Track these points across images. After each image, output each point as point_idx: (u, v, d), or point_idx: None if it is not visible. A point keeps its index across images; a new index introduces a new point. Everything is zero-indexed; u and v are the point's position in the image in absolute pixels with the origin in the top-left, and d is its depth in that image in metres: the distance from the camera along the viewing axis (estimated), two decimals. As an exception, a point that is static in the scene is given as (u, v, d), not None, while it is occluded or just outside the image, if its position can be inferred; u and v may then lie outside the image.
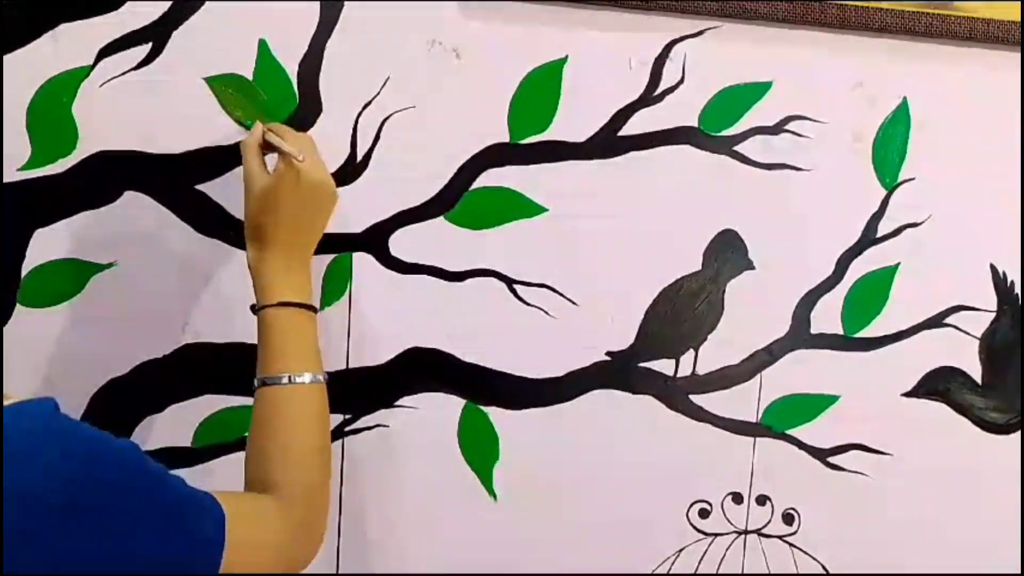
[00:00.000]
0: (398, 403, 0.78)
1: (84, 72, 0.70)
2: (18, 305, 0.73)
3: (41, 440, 0.44)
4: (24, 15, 0.69)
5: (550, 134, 0.76)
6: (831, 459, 0.83)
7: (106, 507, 0.45)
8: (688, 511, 0.83)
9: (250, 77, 0.72)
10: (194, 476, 0.75)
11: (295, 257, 0.65)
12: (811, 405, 0.82)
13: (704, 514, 0.83)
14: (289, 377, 0.61)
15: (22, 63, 0.69)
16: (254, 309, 0.64)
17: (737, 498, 0.83)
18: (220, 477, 0.76)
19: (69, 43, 0.70)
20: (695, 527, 0.83)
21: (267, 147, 0.66)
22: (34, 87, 0.70)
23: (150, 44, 0.71)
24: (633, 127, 0.76)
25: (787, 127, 0.78)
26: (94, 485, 0.45)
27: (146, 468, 0.49)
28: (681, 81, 0.76)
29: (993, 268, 0.82)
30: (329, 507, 0.63)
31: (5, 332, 0.72)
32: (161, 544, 0.47)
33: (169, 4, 0.70)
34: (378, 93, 0.73)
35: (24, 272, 0.72)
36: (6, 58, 0.69)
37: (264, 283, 0.63)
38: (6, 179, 0.71)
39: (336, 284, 0.75)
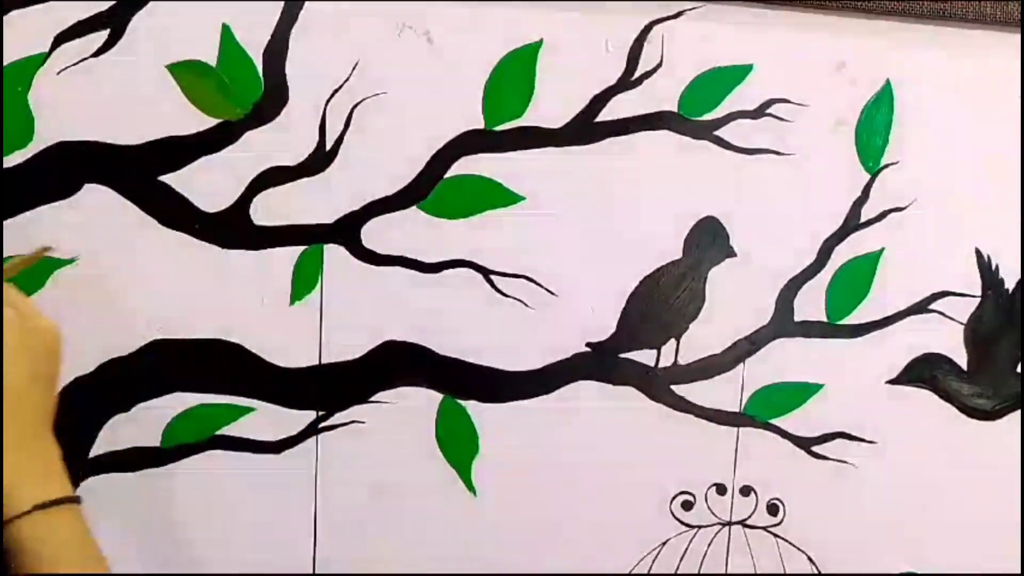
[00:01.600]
0: (373, 398, 0.76)
1: (40, 59, 0.68)
2: (-23, 302, 0.70)
3: None
4: (-25, 0, 0.66)
5: (526, 120, 0.74)
6: (816, 448, 0.82)
7: None
8: (671, 503, 0.81)
9: (213, 64, 0.69)
10: (164, 477, 0.74)
11: (23, 448, 0.49)
12: (795, 394, 0.81)
13: (687, 506, 0.82)
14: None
15: (-26, 51, 0.67)
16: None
17: (721, 489, 0.82)
18: (189, 478, 0.74)
19: (23, 29, 0.67)
20: (678, 519, 0.82)
21: None
22: (-13, 76, 0.67)
23: (108, 29, 0.68)
24: (611, 112, 0.74)
25: (768, 111, 0.76)
26: None
27: None
28: (659, 64, 0.74)
29: (978, 252, 0.81)
30: None
31: (-37, 331, 0.70)
32: None
33: (127, -12, 0.67)
34: (347, 79, 0.71)
35: (-18, 268, 0.70)
36: (-43, 46, 0.66)
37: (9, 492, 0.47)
38: (-39, 172, 0.68)
39: (307, 277, 0.73)
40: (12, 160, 0.69)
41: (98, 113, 0.69)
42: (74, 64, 0.68)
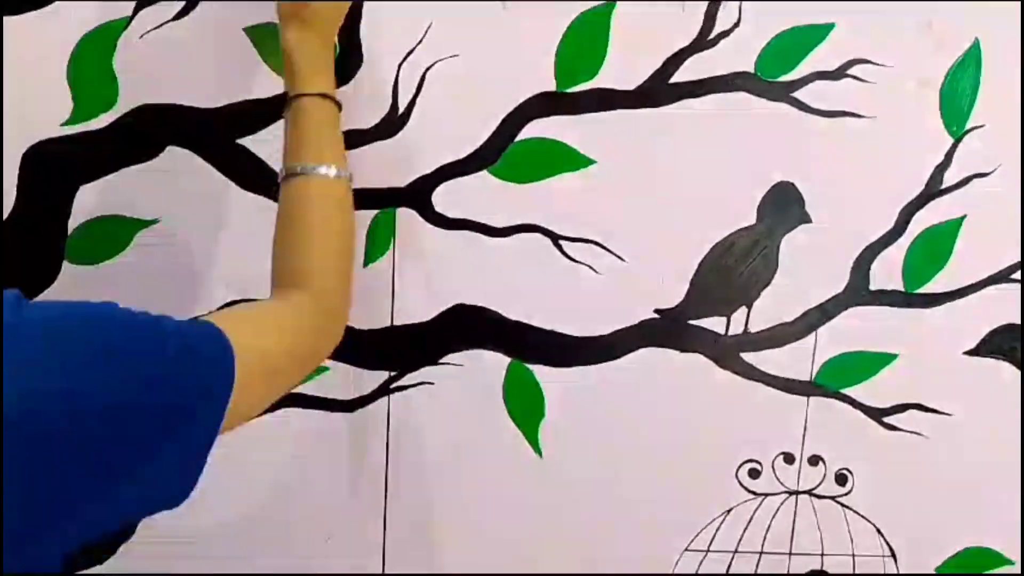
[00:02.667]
0: (443, 360, 0.77)
1: (122, 24, 0.69)
2: (65, 262, 0.73)
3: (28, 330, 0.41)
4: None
5: (598, 82, 0.73)
6: (887, 419, 0.80)
7: (120, 359, 0.43)
8: (738, 471, 0.81)
9: (289, 27, 0.69)
10: (242, 434, 0.76)
11: (329, 43, 0.64)
12: (868, 364, 0.79)
13: (754, 474, 0.81)
14: (322, 169, 0.61)
15: (60, 17, 0.68)
16: (287, 98, 0.62)
17: (788, 458, 0.81)
18: (267, 434, 0.76)
19: (106, -5, 0.68)
20: (745, 487, 0.81)
21: None
22: (73, 41, 0.69)
23: (188, -6, 0.69)
24: (685, 74, 0.73)
25: (849, 72, 0.74)
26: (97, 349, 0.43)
27: (136, 322, 0.47)
28: (736, 24, 0.72)
29: (1066, 221, 0.78)
30: (350, 303, 0.63)
31: (53, 289, 0.73)
32: (173, 381, 0.46)
33: (206, -48, 0.68)
34: (420, 42, 0.71)
35: (70, 229, 0.72)
36: (42, 11, 0.68)
37: (303, 69, 0.61)
38: (50, 135, 0.70)
39: (380, 240, 0.74)
40: (98, 123, 0.71)
41: (178, 76, 0.70)
42: (156, 28, 0.69)
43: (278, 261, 0.62)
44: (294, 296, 0.59)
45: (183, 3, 0.69)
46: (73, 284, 0.73)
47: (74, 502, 0.42)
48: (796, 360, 0.79)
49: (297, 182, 0.61)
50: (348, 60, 0.71)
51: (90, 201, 0.72)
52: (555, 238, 0.75)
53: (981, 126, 0.76)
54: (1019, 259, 0.79)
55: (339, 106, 0.64)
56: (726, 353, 0.78)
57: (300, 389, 0.76)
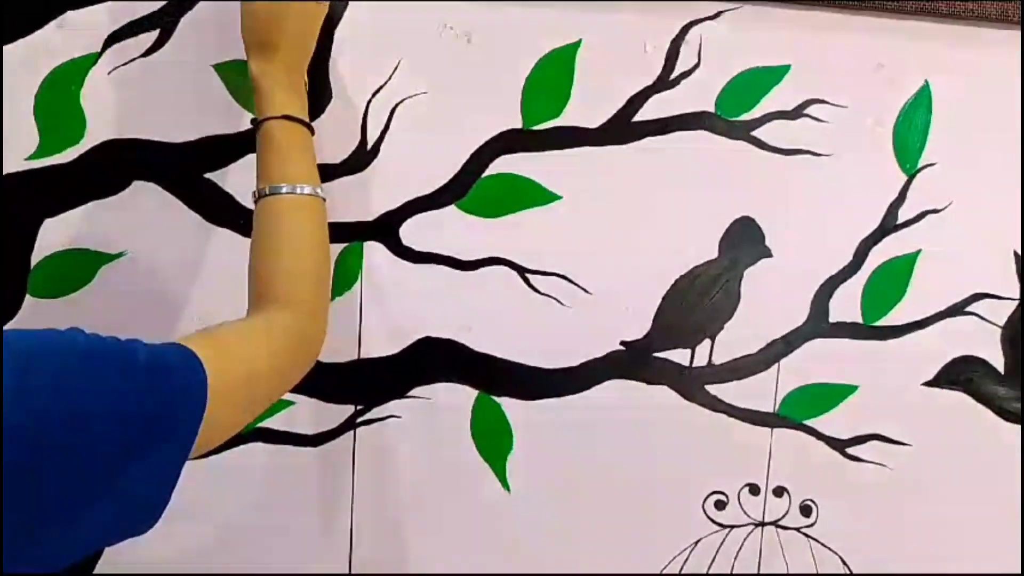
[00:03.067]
0: (410, 393, 0.77)
1: (92, 59, 0.70)
2: (28, 296, 0.72)
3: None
4: (30, 2, 0.68)
5: (564, 120, 0.74)
6: (850, 450, 0.82)
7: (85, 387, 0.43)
8: (704, 502, 0.82)
9: (258, 63, 0.70)
10: (206, 468, 0.75)
11: (297, 71, 0.65)
12: (829, 395, 0.81)
13: (720, 506, 0.82)
14: (291, 187, 0.61)
15: (29, 51, 0.68)
16: (255, 122, 0.64)
17: (754, 489, 0.82)
18: (231, 469, 0.75)
19: (76, 30, 0.69)
20: (711, 519, 0.82)
21: None
22: (41, 75, 0.69)
23: (158, 30, 0.70)
24: (648, 112, 0.75)
25: (806, 111, 0.76)
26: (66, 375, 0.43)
27: (105, 345, 0.47)
28: (697, 65, 0.75)
29: (1016, 255, 0.81)
30: (327, 321, 0.63)
31: (15, 323, 0.72)
32: (144, 404, 0.45)
33: (177, -11, 0.69)
34: (389, 79, 0.72)
35: (33, 262, 0.72)
36: (12, 46, 0.68)
37: (268, 95, 0.63)
38: (13, 169, 0.70)
39: (347, 273, 0.74)
40: (64, 158, 0.71)
41: (147, 111, 0.71)
42: (124, 64, 0.70)
43: (252, 279, 0.62)
44: (269, 312, 0.59)
45: (153, 40, 0.70)
46: (35, 318, 0.72)
47: (44, 524, 0.41)
48: (760, 392, 0.80)
49: (267, 202, 0.62)
50: (318, 96, 0.71)
51: (54, 235, 0.71)
52: (522, 271, 0.76)
53: (933, 164, 0.79)
54: (973, 293, 0.81)
55: (310, 128, 0.65)
56: (691, 385, 0.79)
57: (265, 423, 0.76)
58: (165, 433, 0.46)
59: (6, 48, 0.68)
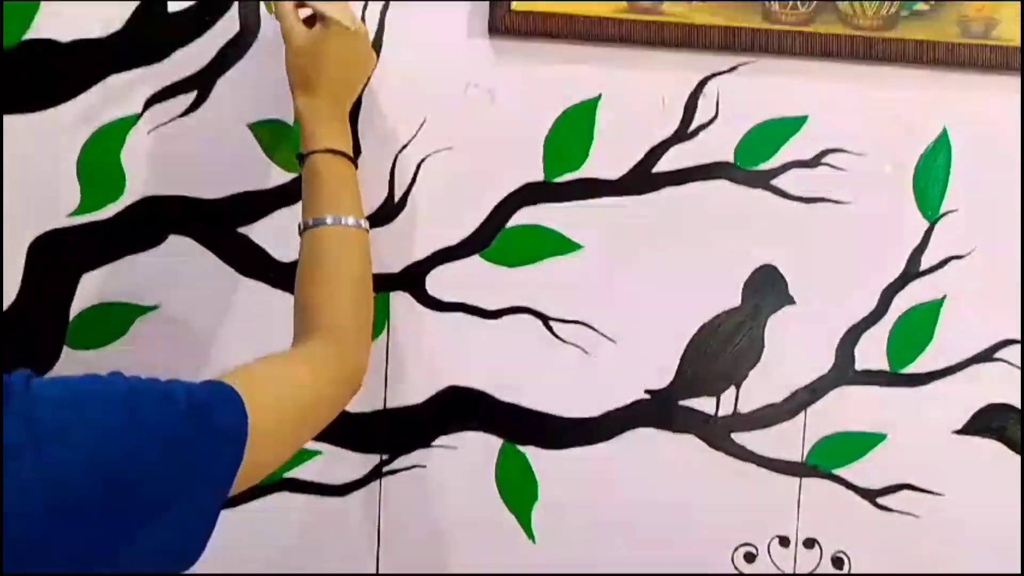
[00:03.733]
0: (435, 443, 0.77)
1: (133, 120, 0.73)
2: (66, 348, 0.74)
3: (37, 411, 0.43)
4: (76, 67, 0.72)
5: (584, 172, 0.76)
6: (880, 500, 0.80)
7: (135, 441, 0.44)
8: (733, 555, 0.80)
9: (291, 123, 0.73)
10: (234, 518, 0.76)
11: (339, 108, 0.67)
12: (858, 443, 0.80)
13: (750, 558, 0.80)
14: (335, 219, 0.63)
15: (74, 113, 0.72)
16: (300, 158, 0.66)
17: (784, 541, 0.80)
18: (258, 519, 0.76)
19: (119, 92, 0.72)
20: (741, 572, 0.80)
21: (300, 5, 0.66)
22: (85, 136, 0.72)
23: (195, 92, 0.73)
24: (668, 163, 0.76)
25: (824, 160, 0.77)
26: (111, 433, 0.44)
27: (144, 387, 0.48)
28: (715, 117, 0.76)
29: (1043, 301, 0.80)
30: (370, 348, 0.64)
31: (53, 374, 0.74)
32: (183, 447, 0.46)
33: (214, 53, 0.72)
34: (415, 135, 0.75)
35: (72, 315, 0.74)
36: (58, 109, 0.72)
37: (313, 130, 0.65)
38: (57, 225, 0.73)
39: (374, 324, 0.75)
40: (104, 214, 0.73)
41: (184, 169, 0.73)
42: (164, 124, 0.73)
43: (297, 311, 0.63)
44: (312, 344, 0.60)
45: (191, 100, 0.73)
46: (72, 369, 0.74)
47: (82, 565, 0.42)
48: (787, 441, 0.79)
49: (312, 233, 0.64)
50: (346, 152, 0.74)
51: (91, 288, 0.74)
52: (546, 320, 0.77)
53: (955, 210, 0.79)
54: (1001, 339, 0.80)
55: (354, 162, 0.67)
56: (717, 434, 0.79)
57: (291, 473, 0.76)
58: (203, 474, 0.47)
59: (56, 110, 0.72)
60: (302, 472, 0.76)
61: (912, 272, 0.79)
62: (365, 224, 0.65)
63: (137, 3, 0.72)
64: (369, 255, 0.66)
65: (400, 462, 0.77)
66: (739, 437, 0.79)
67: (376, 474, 0.77)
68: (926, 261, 0.79)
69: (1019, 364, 0.80)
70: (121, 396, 0.46)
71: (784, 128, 0.77)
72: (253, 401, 0.50)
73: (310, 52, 0.65)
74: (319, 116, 0.65)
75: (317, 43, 0.65)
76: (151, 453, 0.45)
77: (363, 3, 0.73)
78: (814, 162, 0.77)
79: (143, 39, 0.72)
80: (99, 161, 0.73)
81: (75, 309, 0.74)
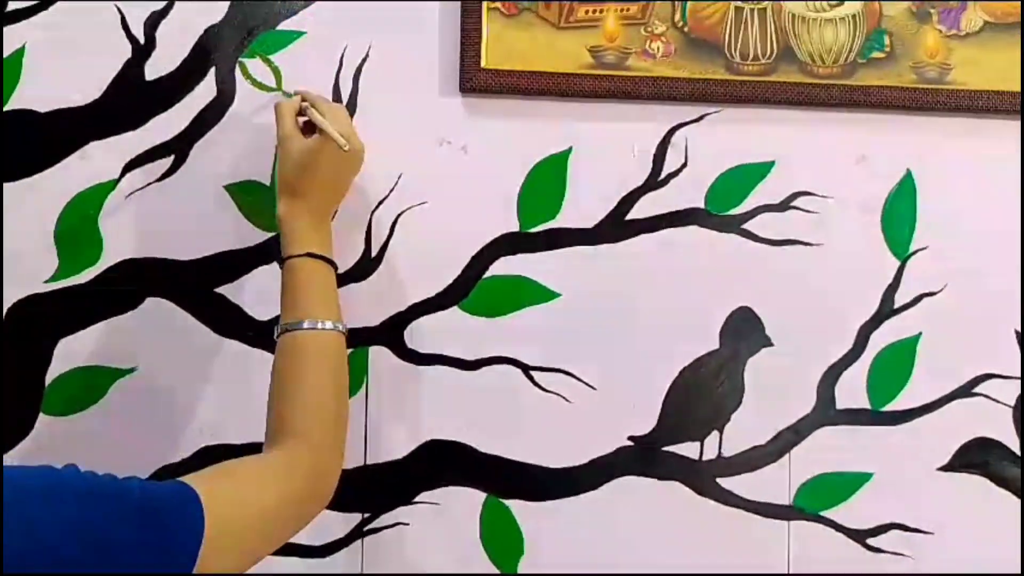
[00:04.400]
0: (418, 499, 0.76)
1: (110, 186, 0.74)
2: (41, 414, 0.73)
3: None
4: (55, 136, 0.73)
5: (559, 222, 0.77)
6: (870, 540, 0.79)
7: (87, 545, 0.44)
8: (725, 603, 0.79)
9: (267, 183, 0.74)
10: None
11: (323, 213, 0.68)
12: (844, 484, 0.79)
13: (742, 606, 0.79)
14: (311, 323, 0.63)
15: (52, 181, 0.73)
16: (280, 262, 0.66)
17: (776, 587, 0.79)
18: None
19: (97, 159, 0.73)
20: (734, 621, 0.79)
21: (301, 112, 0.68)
22: (63, 202, 0.73)
23: (173, 156, 0.74)
24: (640, 211, 0.78)
25: (793, 203, 0.79)
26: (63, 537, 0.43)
27: (99, 484, 0.47)
28: (684, 165, 0.78)
29: (1018, 334, 0.81)
30: (343, 459, 0.63)
31: (29, 440, 0.73)
32: (133, 543, 0.45)
33: (192, 118, 0.74)
34: (391, 191, 0.76)
35: (48, 381, 0.73)
36: (37, 177, 0.73)
37: (293, 235, 0.66)
38: (34, 291, 0.73)
39: (353, 379, 0.75)
40: (81, 279, 0.74)
41: (161, 231, 0.74)
42: (141, 188, 0.74)
43: (269, 415, 0.62)
44: (285, 448, 0.60)
45: (169, 165, 0.74)
46: (49, 435, 0.73)
47: None
48: (773, 483, 0.79)
49: (288, 337, 0.63)
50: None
51: (68, 352, 0.73)
52: (526, 369, 0.77)
53: (924, 248, 0.80)
54: (980, 374, 0.81)
55: (333, 265, 0.67)
56: (703, 479, 0.78)
57: (273, 534, 0.75)
58: (154, 569, 0.46)
59: (33, 178, 0.72)
60: (282, 533, 0.75)
61: (886, 310, 0.80)
62: (343, 327, 0.65)
63: (115, 72, 0.73)
64: (346, 360, 0.65)
65: (382, 520, 0.76)
66: (725, 482, 0.79)
67: (358, 533, 0.76)
68: (899, 299, 0.80)
69: (998, 398, 0.81)
70: (72, 492, 0.45)
71: (752, 173, 0.79)
72: (215, 503, 0.50)
73: (303, 162, 0.66)
74: (302, 221, 0.66)
75: (312, 154, 0.66)
76: (100, 553, 0.44)
77: (338, 65, 0.75)
78: (783, 206, 0.79)
79: (121, 106, 0.73)
80: (77, 227, 0.73)
81: (51, 375, 0.74)
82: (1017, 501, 0.80)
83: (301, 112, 0.68)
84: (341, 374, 0.65)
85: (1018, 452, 0.80)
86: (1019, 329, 0.81)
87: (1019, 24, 0.79)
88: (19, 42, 0.72)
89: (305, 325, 0.63)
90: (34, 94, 0.72)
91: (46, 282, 0.73)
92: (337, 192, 0.70)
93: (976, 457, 0.80)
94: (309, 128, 0.68)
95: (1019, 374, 0.81)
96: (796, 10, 0.78)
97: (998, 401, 0.80)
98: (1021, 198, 0.80)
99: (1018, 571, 0.79)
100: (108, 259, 0.74)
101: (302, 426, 0.60)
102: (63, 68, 0.72)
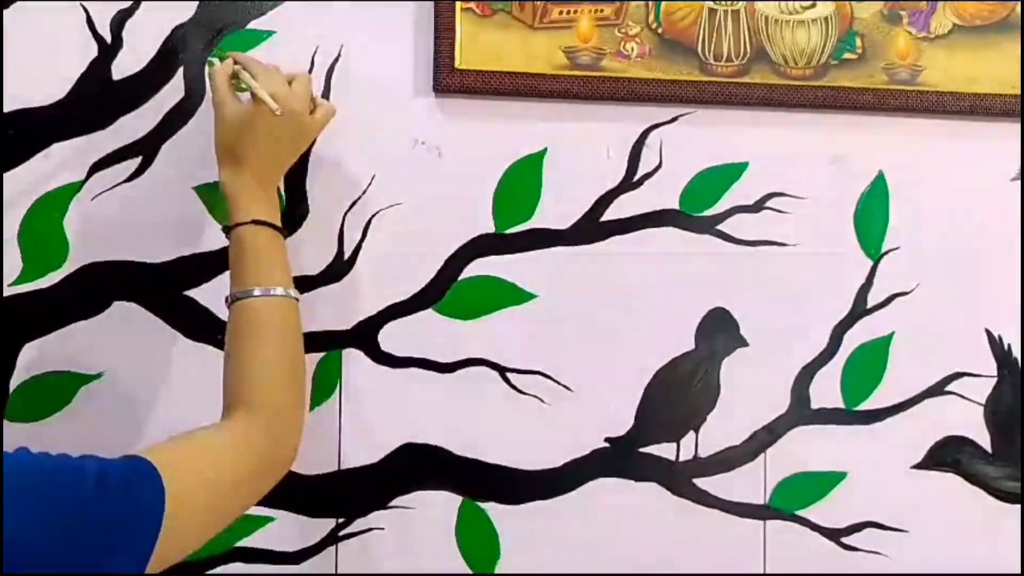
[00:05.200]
0: (393, 504, 0.76)
1: (76, 187, 0.72)
2: (5, 421, 0.72)
3: None
4: (19, 136, 0.71)
5: (534, 223, 0.77)
6: (845, 539, 0.80)
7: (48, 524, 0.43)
8: (702, 604, 0.79)
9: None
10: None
11: (267, 181, 0.66)
12: (819, 483, 0.80)
13: (719, 606, 0.79)
14: (261, 290, 0.62)
15: (15, 182, 0.71)
16: (226, 231, 0.65)
17: (752, 587, 0.79)
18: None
19: (62, 160, 0.72)
20: (711, 621, 0.79)
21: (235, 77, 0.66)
22: (26, 205, 0.71)
23: (140, 157, 0.73)
24: (615, 212, 0.78)
25: (767, 204, 0.79)
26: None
27: (52, 463, 0.46)
28: (659, 166, 0.78)
29: (988, 333, 0.82)
30: (303, 424, 0.62)
31: (-10, 449, 0.71)
32: (93, 519, 0.45)
33: (159, 118, 0.72)
34: (364, 192, 0.75)
35: (12, 387, 0.72)
36: (2, 176, 0.71)
37: (237, 202, 0.64)
38: (-4, 295, 0.71)
39: (326, 382, 0.74)
40: (46, 282, 0.72)
41: (128, 234, 0.73)
42: (108, 190, 0.72)
43: (225, 384, 0.62)
44: (239, 417, 0.59)
45: (136, 166, 0.73)
46: (13, 442, 0.70)
47: None
48: (749, 483, 0.79)
49: (239, 305, 0.62)
50: (295, 210, 0.74)
51: (32, 358, 0.72)
52: (502, 371, 0.77)
53: (896, 248, 0.81)
54: (951, 372, 0.82)
55: (281, 231, 0.66)
56: (679, 480, 0.78)
57: (244, 542, 0.73)
58: (118, 546, 0.45)
59: (-7, 179, 0.71)
60: (254, 540, 0.74)
61: (860, 310, 0.80)
62: (295, 293, 0.64)
63: (81, 71, 0.72)
64: (299, 325, 0.64)
65: (356, 525, 0.75)
66: (701, 482, 0.79)
67: (332, 539, 0.75)
68: (872, 299, 0.81)
69: (970, 396, 0.81)
70: (23, 471, 0.44)
71: (726, 174, 0.79)
72: (172, 473, 0.49)
73: (238, 127, 0.65)
74: (244, 189, 0.65)
75: (248, 119, 0.64)
76: (57, 530, 0.43)
77: (310, 65, 0.74)
78: (757, 206, 0.79)
79: (87, 106, 0.72)
80: (41, 229, 0.72)
81: (15, 381, 0.72)
82: (990, 499, 0.81)
83: (235, 75, 0.66)
84: (296, 340, 0.64)
85: (990, 450, 0.81)
86: (990, 328, 0.82)
87: (987, 27, 0.80)
88: (-19, 40, 0.71)
89: (256, 293, 0.62)
90: (-3, 94, 0.70)
91: (10, 285, 0.72)
92: (280, 162, 0.67)
93: (949, 455, 0.81)
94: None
95: (990, 372, 0.81)
96: (769, 12, 0.78)
97: (970, 399, 0.81)
98: (1022, 197, 0.81)
99: (1009, 571, 0.79)
100: (74, 262, 0.72)
101: (258, 394, 0.60)
102: (27, 67, 0.71)
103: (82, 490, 0.45)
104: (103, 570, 0.44)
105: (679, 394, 0.78)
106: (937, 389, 0.81)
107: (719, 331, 0.79)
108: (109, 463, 0.48)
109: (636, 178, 0.78)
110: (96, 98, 0.72)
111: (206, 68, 0.72)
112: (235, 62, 0.67)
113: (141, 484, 0.48)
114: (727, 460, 0.79)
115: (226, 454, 0.56)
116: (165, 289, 0.73)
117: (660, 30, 0.77)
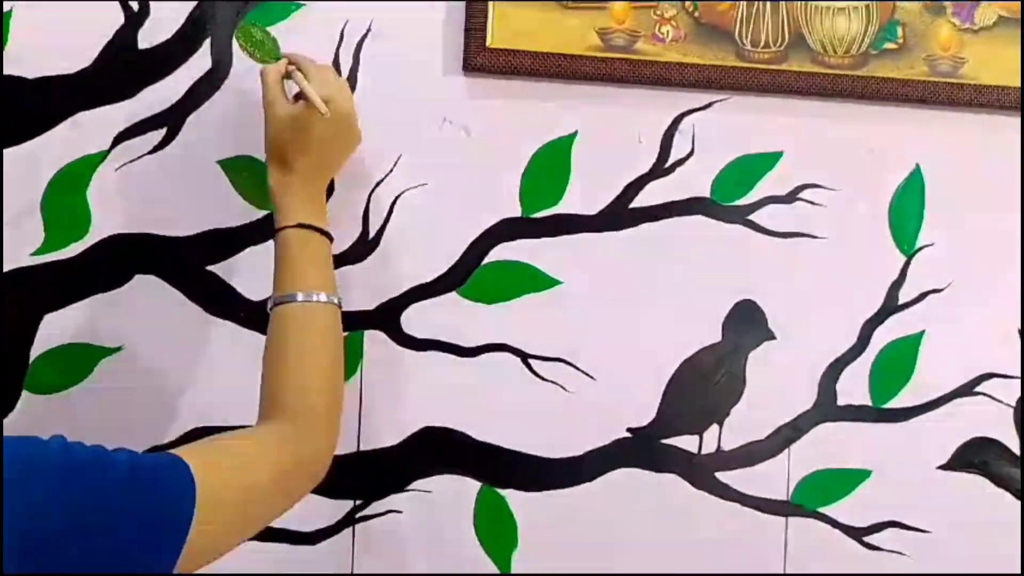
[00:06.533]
0: (411, 487, 0.75)
1: (100, 156, 0.71)
2: (24, 392, 0.71)
3: None
4: (43, 104, 0.70)
5: (561, 208, 0.75)
6: (867, 538, 0.79)
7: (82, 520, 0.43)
8: (719, 598, 0.78)
9: (263, 159, 0.72)
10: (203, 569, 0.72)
11: (315, 185, 0.66)
12: (843, 481, 0.78)
13: (737, 601, 0.78)
14: (305, 296, 0.61)
15: (40, 149, 0.70)
16: (273, 233, 0.64)
17: (771, 583, 0.78)
18: (227, 567, 0.72)
19: (87, 129, 0.71)
20: (728, 616, 0.78)
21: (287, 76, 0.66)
22: (50, 173, 0.71)
23: (165, 128, 0.72)
24: (644, 199, 0.76)
25: (800, 195, 0.78)
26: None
27: (85, 455, 0.46)
28: (691, 153, 0.76)
29: (1022, 335, 0.80)
30: (338, 431, 0.62)
31: (9, 420, 0.71)
32: (120, 515, 0.44)
33: (185, 90, 0.71)
34: (390, 171, 0.74)
35: (32, 358, 0.71)
36: (25, 145, 0.70)
37: (285, 205, 0.64)
38: (19, 264, 0.71)
39: (347, 363, 0.73)
40: (68, 253, 0.71)
41: (152, 206, 0.72)
42: (132, 161, 0.71)
43: (263, 389, 0.61)
44: (276, 423, 0.58)
45: (161, 137, 0.72)
46: (32, 414, 0.71)
47: None
48: (772, 479, 0.78)
49: (281, 310, 0.62)
50: (320, 189, 0.73)
51: (53, 329, 0.71)
52: (524, 357, 0.76)
53: (931, 244, 0.79)
54: (981, 373, 0.80)
55: (328, 236, 0.65)
56: (701, 473, 0.77)
57: (262, 520, 0.73)
58: (150, 536, 0.45)
59: (21, 147, 0.70)
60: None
61: (891, 306, 0.79)
62: (337, 300, 0.63)
63: (107, 39, 0.71)
64: (340, 332, 0.63)
65: (374, 508, 0.75)
66: (723, 476, 0.77)
67: (349, 521, 0.74)
68: (904, 295, 0.79)
69: (1000, 398, 0.80)
70: (56, 465, 0.44)
71: (760, 164, 0.77)
72: (205, 475, 0.48)
73: (289, 129, 0.64)
74: (292, 192, 0.64)
75: (298, 121, 0.63)
76: (87, 524, 0.43)
77: (339, 39, 0.73)
78: (790, 197, 0.78)
79: (113, 76, 0.71)
80: (64, 199, 0.71)
81: (35, 351, 0.71)
82: (1015, 501, 0.80)
83: (288, 75, 0.65)
84: (336, 347, 0.63)
85: (1018, 452, 0.80)
86: (1021, 328, 0.80)
87: (1034, 19, 0.78)
88: (6, 6, 0.69)
89: (299, 298, 0.61)
90: (22, 61, 0.69)
91: (31, 255, 0.71)
92: (329, 161, 0.67)
93: (976, 456, 0.79)
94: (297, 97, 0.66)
95: (1020, 374, 0.80)
96: (809, -2, 0.76)
97: (999, 401, 0.80)
98: (1022, 197, 0.79)
99: (1017, 571, 0.78)
100: (96, 233, 0.71)
101: (295, 401, 0.59)
102: (52, 34, 0.70)
103: (113, 484, 0.45)
104: (133, 559, 0.44)
105: (703, 386, 0.77)
106: (967, 389, 0.80)
107: (746, 323, 0.77)
108: (143, 458, 0.48)
109: (667, 165, 0.76)
110: (122, 67, 0.71)
111: (234, 41, 0.71)
112: (290, 62, 0.66)
113: (172, 477, 0.47)
114: (750, 454, 0.78)
115: (260, 457, 0.55)
116: (187, 263, 0.72)
117: (696, 14, 0.75)
